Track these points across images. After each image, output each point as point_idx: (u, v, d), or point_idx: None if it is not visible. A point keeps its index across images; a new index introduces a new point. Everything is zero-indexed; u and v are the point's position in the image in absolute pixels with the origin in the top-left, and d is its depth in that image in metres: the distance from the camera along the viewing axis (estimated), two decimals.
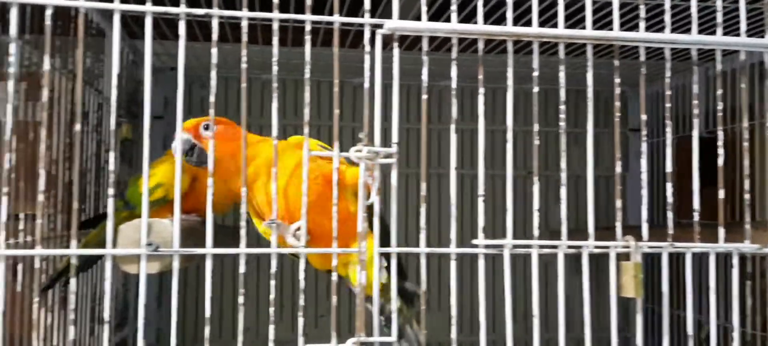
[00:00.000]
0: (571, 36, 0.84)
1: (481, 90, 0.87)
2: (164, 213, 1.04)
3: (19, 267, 0.96)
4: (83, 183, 1.27)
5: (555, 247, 0.87)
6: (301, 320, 0.84)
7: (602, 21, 1.36)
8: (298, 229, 0.93)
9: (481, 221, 0.86)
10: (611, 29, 0.90)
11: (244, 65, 0.83)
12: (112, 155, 0.80)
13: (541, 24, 0.94)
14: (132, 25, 1.52)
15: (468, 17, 1.42)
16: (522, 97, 1.96)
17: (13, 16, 0.79)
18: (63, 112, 1.17)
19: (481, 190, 0.87)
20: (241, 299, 0.82)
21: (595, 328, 0.88)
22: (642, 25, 0.90)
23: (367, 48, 0.85)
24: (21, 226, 0.95)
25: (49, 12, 0.79)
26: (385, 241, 0.88)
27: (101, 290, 1.46)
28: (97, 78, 1.34)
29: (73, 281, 0.79)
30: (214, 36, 0.83)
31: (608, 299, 0.87)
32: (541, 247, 0.87)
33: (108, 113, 1.47)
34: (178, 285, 0.80)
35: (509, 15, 0.88)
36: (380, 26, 0.85)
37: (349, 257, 1.04)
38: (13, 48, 0.79)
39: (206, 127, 1.07)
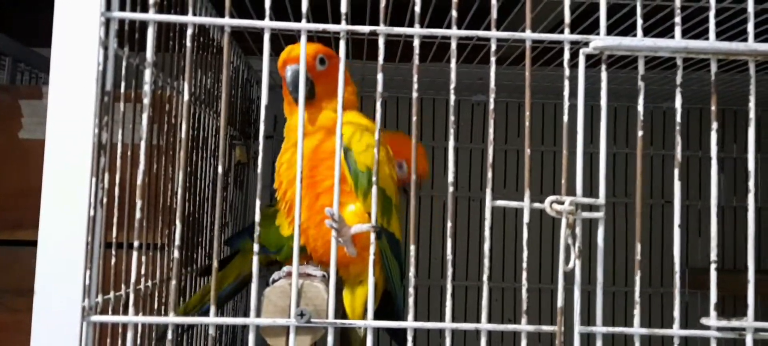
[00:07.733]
0: None
1: (714, 120, 0.68)
2: (304, 260, 0.89)
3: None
4: (201, 214, 1.16)
5: None
6: None
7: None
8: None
9: (713, 296, 0.67)
10: None
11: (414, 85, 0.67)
12: (258, 202, 0.66)
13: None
14: (248, 40, 1.41)
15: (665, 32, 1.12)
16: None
17: (150, 36, 0.67)
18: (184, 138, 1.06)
19: (713, 255, 0.67)
20: None
21: None
22: None
23: (566, 71, 0.67)
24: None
25: (189, 31, 0.66)
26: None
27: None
28: (216, 99, 1.22)
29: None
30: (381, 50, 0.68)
31: None
32: None
33: (226, 138, 1.36)
34: None
35: (750, 28, 0.68)
36: (585, 44, 0.67)
37: (349, 274, 0.89)
38: (148, 68, 0.67)
39: (321, 61, 0.90)
